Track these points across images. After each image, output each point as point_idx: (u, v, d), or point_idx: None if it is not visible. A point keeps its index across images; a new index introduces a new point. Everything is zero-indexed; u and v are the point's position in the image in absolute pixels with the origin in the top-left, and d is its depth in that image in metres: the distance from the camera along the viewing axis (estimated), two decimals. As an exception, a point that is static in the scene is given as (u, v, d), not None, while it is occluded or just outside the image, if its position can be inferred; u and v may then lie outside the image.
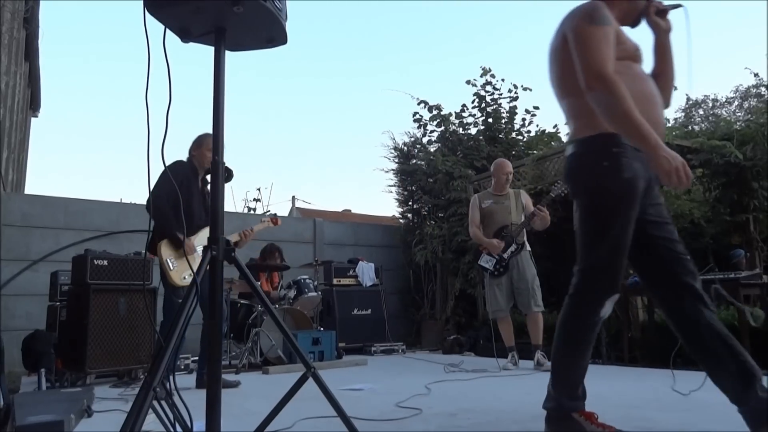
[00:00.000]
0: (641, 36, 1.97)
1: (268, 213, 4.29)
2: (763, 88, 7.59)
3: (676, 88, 2.09)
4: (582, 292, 1.85)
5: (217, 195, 1.53)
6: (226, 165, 1.59)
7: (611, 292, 1.82)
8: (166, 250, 3.54)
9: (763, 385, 1.65)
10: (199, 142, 3.79)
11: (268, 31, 1.59)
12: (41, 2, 7.74)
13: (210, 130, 4.21)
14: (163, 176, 3.37)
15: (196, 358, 3.92)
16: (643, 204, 1.82)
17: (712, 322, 1.72)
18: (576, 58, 1.77)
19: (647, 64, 1.98)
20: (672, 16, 1.97)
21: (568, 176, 1.96)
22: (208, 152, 3.72)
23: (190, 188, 3.65)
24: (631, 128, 1.66)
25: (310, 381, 1.53)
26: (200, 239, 3.65)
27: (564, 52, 1.84)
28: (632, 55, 1.87)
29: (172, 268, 3.52)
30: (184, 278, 3.54)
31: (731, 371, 1.68)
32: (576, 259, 1.89)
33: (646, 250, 1.85)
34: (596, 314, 1.82)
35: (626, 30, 1.94)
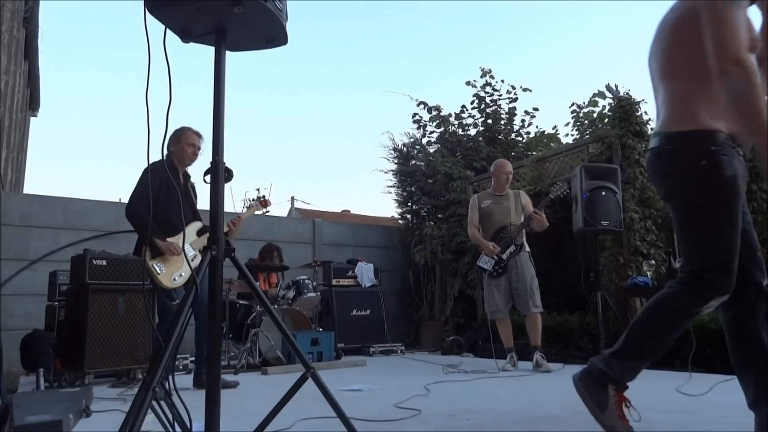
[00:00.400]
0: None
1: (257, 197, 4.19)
2: (762, 90, 7.57)
3: None
4: (693, 286, 1.75)
5: (217, 195, 1.53)
6: (226, 165, 1.59)
7: (725, 292, 1.71)
8: (150, 255, 3.46)
9: None
10: (177, 137, 3.65)
11: (269, 32, 1.59)
12: (41, 2, 7.75)
13: (199, 129, 4.04)
14: (140, 182, 3.32)
15: (194, 358, 3.91)
16: None
17: (762, 332, 1.68)
18: (711, 36, 1.64)
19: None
20: None
21: (659, 175, 1.84)
22: (188, 147, 3.67)
23: (170, 188, 3.50)
24: (758, 124, 1.56)
25: (309, 381, 1.53)
26: (186, 237, 3.62)
27: (687, 24, 1.71)
28: (754, 45, 1.74)
29: (160, 272, 3.44)
30: (174, 280, 3.48)
31: (761, 384, 1.66)
32: (678, 256, 1.82)
33: None
34: (697, 307, 1.74)
35: None
